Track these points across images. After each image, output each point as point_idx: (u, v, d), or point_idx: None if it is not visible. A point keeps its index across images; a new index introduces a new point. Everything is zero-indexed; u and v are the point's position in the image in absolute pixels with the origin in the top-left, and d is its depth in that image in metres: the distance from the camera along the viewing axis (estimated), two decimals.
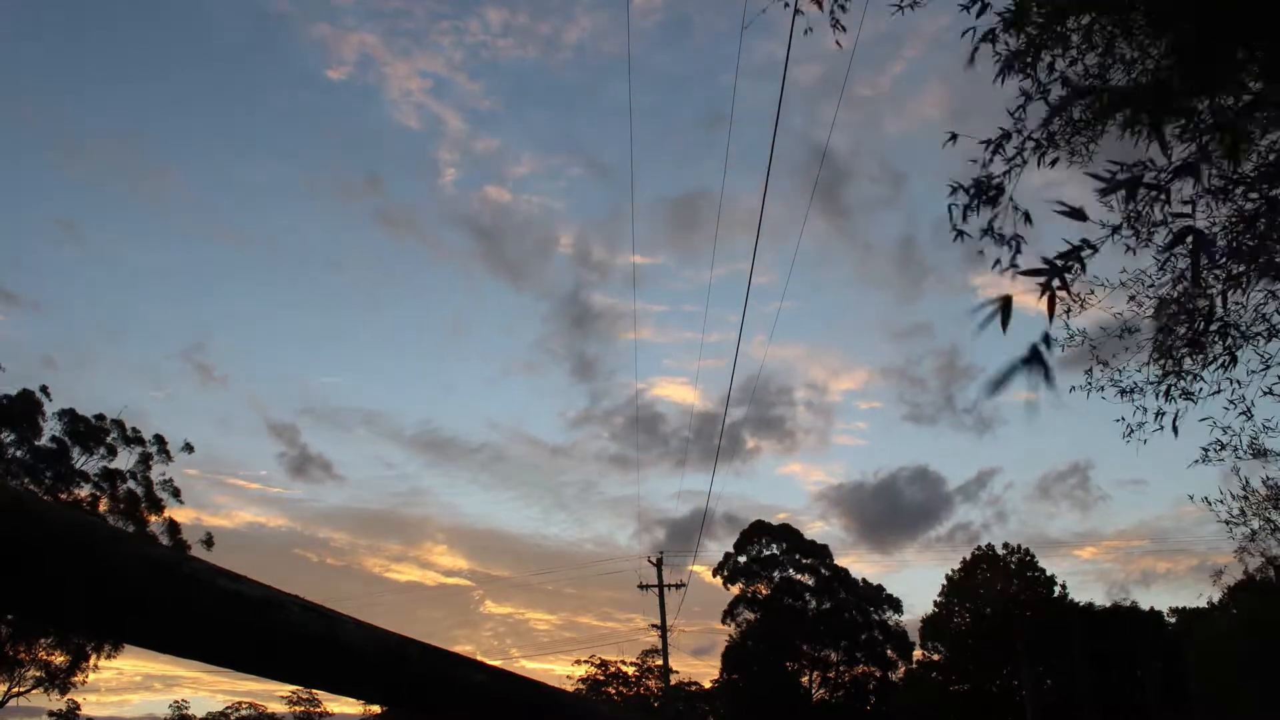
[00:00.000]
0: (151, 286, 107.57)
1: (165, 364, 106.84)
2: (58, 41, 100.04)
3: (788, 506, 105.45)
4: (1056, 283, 1.89)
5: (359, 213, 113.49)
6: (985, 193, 6.35)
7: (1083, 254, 1.75)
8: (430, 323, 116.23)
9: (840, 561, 58.72)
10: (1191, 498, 9.71)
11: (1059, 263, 1.84)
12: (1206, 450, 7.88)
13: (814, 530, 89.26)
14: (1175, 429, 7.45)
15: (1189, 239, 2.23)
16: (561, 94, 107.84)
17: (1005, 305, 1.95)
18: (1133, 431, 8.01)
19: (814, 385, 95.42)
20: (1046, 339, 1.62)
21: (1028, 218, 6.33)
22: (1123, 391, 7.90)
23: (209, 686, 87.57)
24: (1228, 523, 9.44)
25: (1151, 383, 7.70)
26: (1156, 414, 7.55)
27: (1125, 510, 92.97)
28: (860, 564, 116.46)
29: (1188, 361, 7.51)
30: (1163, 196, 6.11)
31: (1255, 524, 9.70)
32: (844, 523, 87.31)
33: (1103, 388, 8.13)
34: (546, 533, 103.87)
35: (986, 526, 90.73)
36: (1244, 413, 7.51)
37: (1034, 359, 1.62)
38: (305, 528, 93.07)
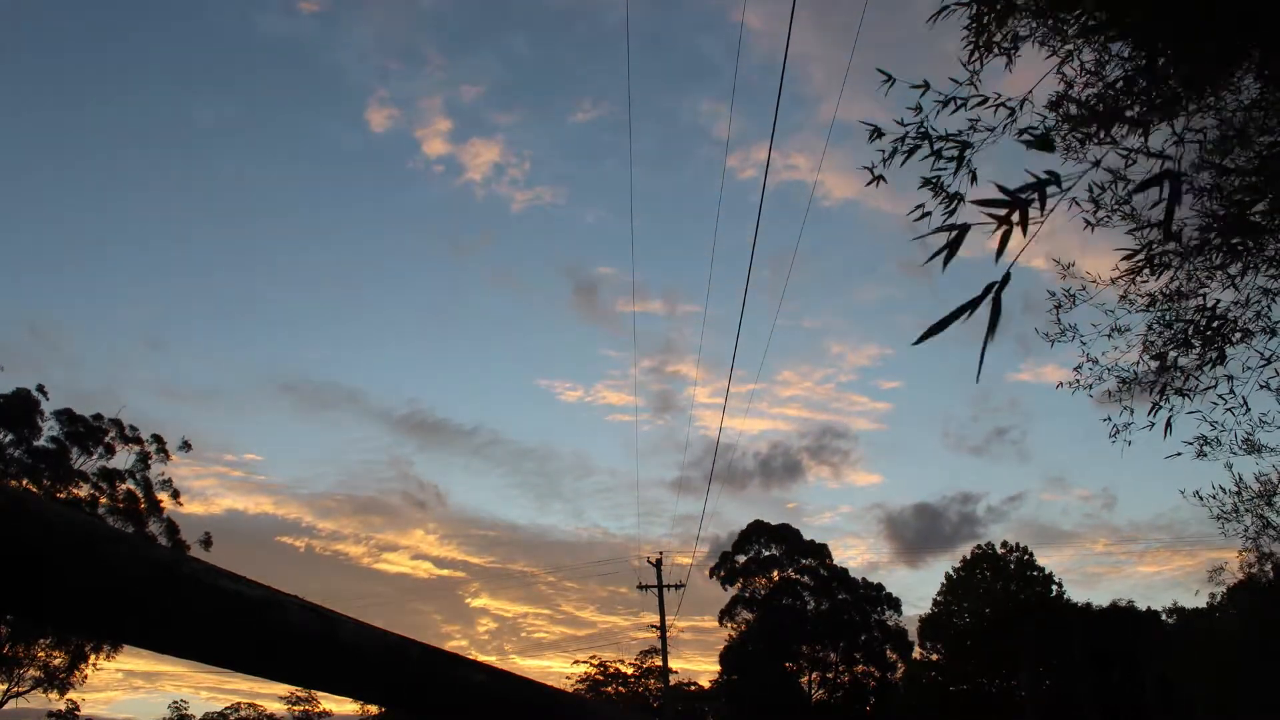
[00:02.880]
0: (264, 320, 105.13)
1: (261, 390, 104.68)
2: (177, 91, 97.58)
3: (832, 527, 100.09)
4: (1016, 216, 1.71)
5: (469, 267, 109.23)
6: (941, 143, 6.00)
7: (1047, 188, 1.63)
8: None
9: (881, 576, 58.80)
10: (1183, 492, 9.62)
11: (1022, 195, 1.68)
12: (1194, 444, 7.89)
13: (845, 543, 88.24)
14: (1169, 426, 7.44)
15: (1165, 183, 2.11)
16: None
17: (959, 235, 1.82)
18: (1119, 432, 7.97)
19: (862, 419, 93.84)
20: (1005, 279, 1.49)
21: (974, 177, 6.01)
22: (1119, 382, 7.87)
23: (192, 683, 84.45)
24: (1220, 518, 9.42)
25: (1145, 382, 7.69)
26: (1151, 409, 7.53)
27: (1132, 509, 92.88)
28: (891, 574, 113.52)
29: (1181, 359, 7.51)
30: (1141, 133, 6.04)
31: (1248, 520, 9.70)
32: (881, 540, 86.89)
33: (1090, 385, 8.10)
34: (543, 522, 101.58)
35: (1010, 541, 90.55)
36: (1231, 410, 7.51)
37: (985, 298, 1.48)
38: (290, 515, 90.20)
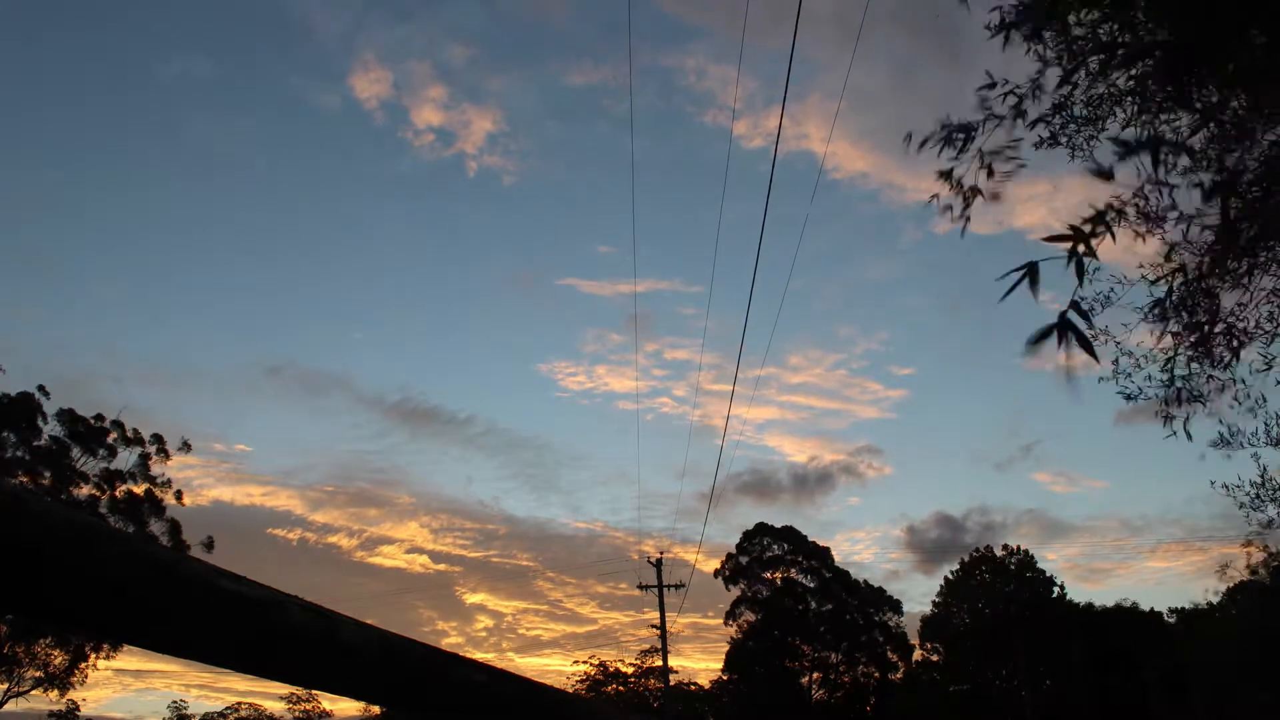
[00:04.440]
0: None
1: (246, 377, 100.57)
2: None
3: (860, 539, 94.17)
4: (1082, 248, 1.79)
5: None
6: (954, 135, 5.97)
7: (1108, 218, 1.68)
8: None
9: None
10: (1213, 484, 9.95)
11: (1084, 228, 1.77)
12: (1216, 445, 7.94)
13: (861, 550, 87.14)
14: (1188, 434, 7.50)
15: (1220, 193, 2.15)
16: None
17: (1032, 271, 1.90)
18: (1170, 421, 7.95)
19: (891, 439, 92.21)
20: (1076, 305, 1.55)
21: (990, 171, 5.92)
22: (1127, 397, 7.91)
23: (183, 681, 79.74)
24: (1243, 506, 9.57)
25: (1162, 384, 7.70)
26: (1165, 419, 7.59)
27: (1145, 504, 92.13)
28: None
29: (1195, 365, 7.53)
30: (1185, 154, 6.04)
31: (1273, 511, 9.79)
32: (890, 539, 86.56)
33: (1119, 377, 8.11)
34: (542, 516, 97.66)
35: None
36: (1250, 410, 7.55)
37: (1063, 325, 1.56)
38: (281, 507, 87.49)
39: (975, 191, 6.10)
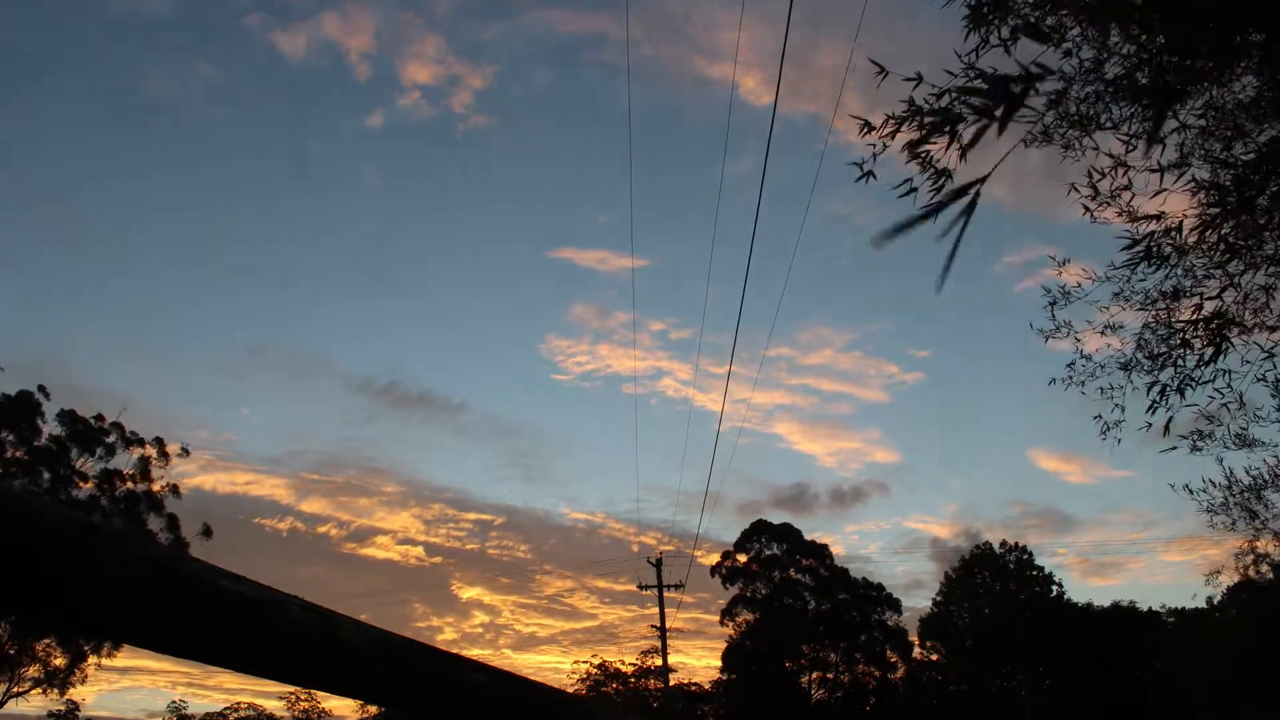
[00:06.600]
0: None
1: (232, 362, 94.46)
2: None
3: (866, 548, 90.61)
4: (999, 112, 1.66)
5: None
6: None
7: (1038, 83, 1.59)
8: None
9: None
10: (1172, 486, 9.44)
11: (1011, 85, 1.65)
12: (1189, 438, 7.85)
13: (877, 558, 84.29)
14: (1168, 427, 7.43)
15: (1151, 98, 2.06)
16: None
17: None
18: (1109, 430, 7.88)
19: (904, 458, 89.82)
20: (984, 178, 1.44)
21: (964, 154, 5.62)
22: (1107, 384, 7.84)
23: (170, 679, 76.91)
24: (1209, 511, 9.25)
25: (1144, 370, 7.67)
26: (1149, 408, 7.52)
27: (1153, 498, 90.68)
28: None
29: (1179, 359, 7.50)
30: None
31: (1236, 514, 9.50)
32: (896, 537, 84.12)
33: (1083, 382, 8.02)
34: (540, 507, 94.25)
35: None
36: (1227, 405, 7.49)
37: (960, 196, 1.44)
38: (267, 495, 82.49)
39: (947, 174, 5.90)
